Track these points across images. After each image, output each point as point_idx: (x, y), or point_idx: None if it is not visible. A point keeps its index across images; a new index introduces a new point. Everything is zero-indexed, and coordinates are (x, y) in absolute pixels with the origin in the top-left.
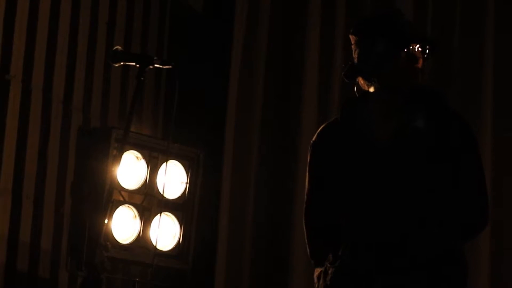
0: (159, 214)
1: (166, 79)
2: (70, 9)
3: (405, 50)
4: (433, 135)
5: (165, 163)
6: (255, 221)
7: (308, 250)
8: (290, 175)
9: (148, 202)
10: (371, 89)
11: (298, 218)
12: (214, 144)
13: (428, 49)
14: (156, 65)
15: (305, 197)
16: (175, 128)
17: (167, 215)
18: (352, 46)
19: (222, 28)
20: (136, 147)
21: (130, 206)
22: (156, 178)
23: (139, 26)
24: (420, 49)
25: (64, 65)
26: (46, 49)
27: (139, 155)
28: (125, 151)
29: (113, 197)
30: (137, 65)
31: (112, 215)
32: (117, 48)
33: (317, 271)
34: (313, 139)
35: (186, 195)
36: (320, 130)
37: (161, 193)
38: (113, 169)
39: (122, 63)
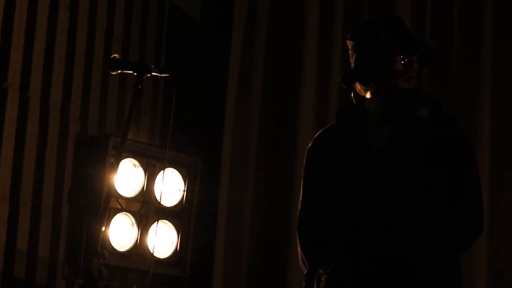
0: (156, 222)
1: (163, 87)
2: (68, 18)
3: (401, 55)
4: (428, 142)
5: (162, 170)
6: (252, 229)
7: (299, 257)
8: (288, 184)
9: (146, 209)
10: (368, 95)
11: (297, 221)
12: (211, 152)
13: (424, 54)
14: (153, 73)
15: (300, 204)
16: (173, 136)
17: (165, 222)
18: (349, 52)
19: (220, 36)
20: (133, 154)
21: (128, 213)
22: (153, 186)
23: (136, 35)
24: (416, 54)
25: (61, 73)
26: (43, 57)
27: (136, 162)
28: (123, 158)
29: (110, 204)
30: (135, 73)
31: (110, 222)
32: (114, 56)
33: (306, 279)
34: (309, 145)
35: (184, 202)
36: (316, 137)
37: (159, 200)
38: (110, 176)
39: (119, 71)
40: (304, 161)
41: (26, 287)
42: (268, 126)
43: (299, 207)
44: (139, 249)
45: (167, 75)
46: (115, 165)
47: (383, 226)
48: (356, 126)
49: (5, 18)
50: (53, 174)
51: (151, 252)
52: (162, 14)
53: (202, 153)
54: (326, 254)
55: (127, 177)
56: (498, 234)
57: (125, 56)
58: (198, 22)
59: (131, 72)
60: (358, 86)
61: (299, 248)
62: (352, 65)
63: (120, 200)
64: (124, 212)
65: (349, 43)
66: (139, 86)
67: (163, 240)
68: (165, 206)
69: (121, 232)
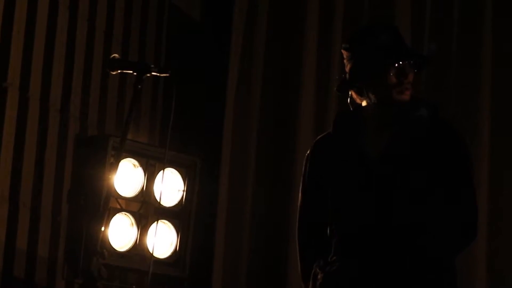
0: (156, 222)
1: (163, 87)
2: (68, 18)
3: (396, 65)
4: (425, 148)
5: (162, 170)
6: (252, 229)
7: (299, 263)
8: (288, 183)
9: (145, 209)
10: (364, 103)
11: (296, 227)
12: (211, 152)
13: (418, 64)
14: (153, 73)
15: (298, 209)
16: (172, 136)
17: (164, 222)
18: (345, 61)
19: (220, 36)
20: (133, 154)
21: (127, 213)
22: (153, 186)
23: (136, 35)
24: (410, 63)
25: (61, 73)
26: (43, 57)
27: (136, 162)
28: (122, 159)
29: (110, 204)
30: (135, 73)
31: (109, 222)
32: (114, 56)
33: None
34: (308, 152)
35: (183, 202)
36: (315, 143)
37: (158, 200)
38: (110, 176)
39: (119, 71)
40: (303, 168)
41: (26, 287)
42: (267, 126)
43: (298, 212)
44: (138, 249)
45: (167, 75)
46: (114, 165)
47: (380, 230)
48: (354, 132)
49: (5, 18)
50: (52, 174)
51: (151, 252)
52: (162, 14)
53: (202, 153)
54: (323, 257)
55: (126, 177)
56: (498, 234)
57: (124, 56)
58: (197, 22)
59: (131, 72)
60: (353, 95)
61: (298, 252)
62: (347, 74)
63: (119, 200)
64: (123, 212)
65: (344, 53)
66: (139, 86)
67: (163, 240)
68: (164, 206)
69: (120, 232)
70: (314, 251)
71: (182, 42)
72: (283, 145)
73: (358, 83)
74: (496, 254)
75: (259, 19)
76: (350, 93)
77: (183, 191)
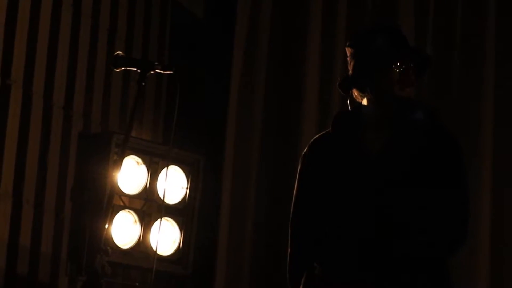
0: (159, 219)
1: (167, 84)
2: (71, 15)
3: (398, 63)
4: (422, 150)
5: (165, 168)
6: (255, 226)
7: (288, 264)
8: (291, 181)
9: (149, 207)
10: (364, 101)
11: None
12: (214, 149)
13: (421, 62)
14: (157, 71)
15: (292, 206)
16: (176, 133)
17: (167, 220)
18: (348, 58)
19: (223, 34)
20: (136, 152)
21: (131, 211)
22: (156, 183)
23: (140, 32)
24: (412, 63)
25: (65, 70)
26: (47, 55)
27: (139, 160)
28: (126, 156)
29: (113, 202)
30: (138, 70)
31: (113, 220)
32: (118, 54)
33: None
34: (305, 150)
35: (187, 200)
36: (312, 142)
37: (162, 198)
38: (113, 174)
39: (123, 68)
40: (299, 166)
41: (29, 284)
42: (271, 124)
43: (292, 209)
44: (142, 247)
45: (171, 72)
46: (118, 163)
47: (375, 229)
48: (352, 131)
49: (8, 15)
50: (56, 171)
51: (154, 249)
52: (165, 12)
53: (205, 150)
54: (317, 254)
55: (130, 175)
56: (499, 234)
57: (128, 54)
58: (201, 19)
59: (135, 69)
60: (355, 93)
61: (289, 250)
62: (350, 72)
63: (123, 198)
64: (127, 210)
65: (348, 50)
66: (143, 83)
67: (166, 237)
68: (168, 204)
69: (124, 230)
70: (304, 250)
71: (186, 40)
72: (286, 143)
73: (361, 79)
74: (498, 255)
75: (262, 17)
76: (351, 91)
77: (187, 188)
